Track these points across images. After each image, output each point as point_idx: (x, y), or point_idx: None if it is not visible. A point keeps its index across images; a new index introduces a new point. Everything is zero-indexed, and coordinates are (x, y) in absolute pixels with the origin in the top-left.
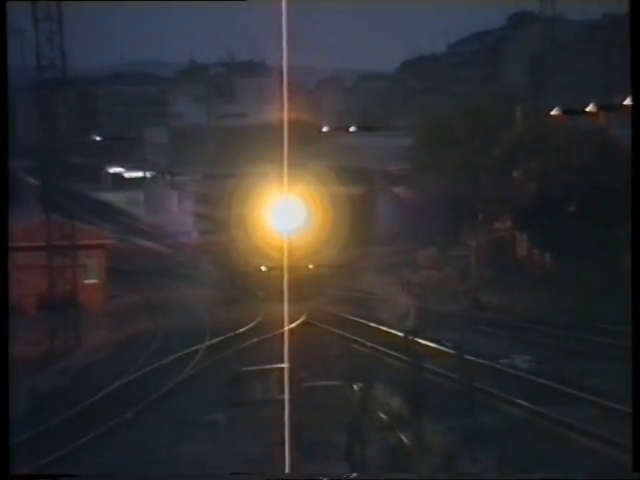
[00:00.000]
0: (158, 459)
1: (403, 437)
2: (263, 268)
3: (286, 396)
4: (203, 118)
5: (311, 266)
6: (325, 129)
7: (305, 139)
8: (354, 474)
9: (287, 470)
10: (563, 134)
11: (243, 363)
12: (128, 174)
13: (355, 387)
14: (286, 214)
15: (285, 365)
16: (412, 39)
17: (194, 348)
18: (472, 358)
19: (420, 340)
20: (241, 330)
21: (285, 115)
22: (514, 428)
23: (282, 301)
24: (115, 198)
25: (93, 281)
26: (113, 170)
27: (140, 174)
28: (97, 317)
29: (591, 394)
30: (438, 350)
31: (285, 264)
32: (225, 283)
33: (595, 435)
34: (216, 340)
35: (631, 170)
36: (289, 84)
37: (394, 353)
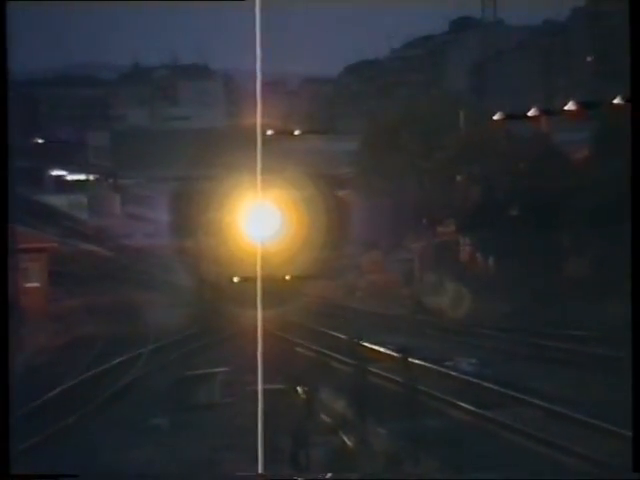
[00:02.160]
0: (101, 464)
1: (347, 440)
2: (235, 279)
3: (259, 401)
4: (146, 121)
5: (288, 277)
6: (269, 132)
7: (249, 142)
8: (329, 474)
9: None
10: (505, 139)
11: (187, 367)
12: (71, 177)
13: (300, 390)
14: (260, 221)
15: (259, 373)
16: (356, 43)
17: (137, 352)
18: (416, 361)
19: (365, 343)
20: (185, 334)
21: (258, 121)
22: (458, 431)
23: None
24: (58, 201)
25: (35, 284)
26: (55, 173)
27: (83, 177)
28: (39, 321)
29: (535, 397)
30: (383, 353)
31: (259, 274)
32: (194, 295)
33: (539, 438)
34: (160, 344)
35: (631, 169)
36: (235, 88)
37: (339, 357)
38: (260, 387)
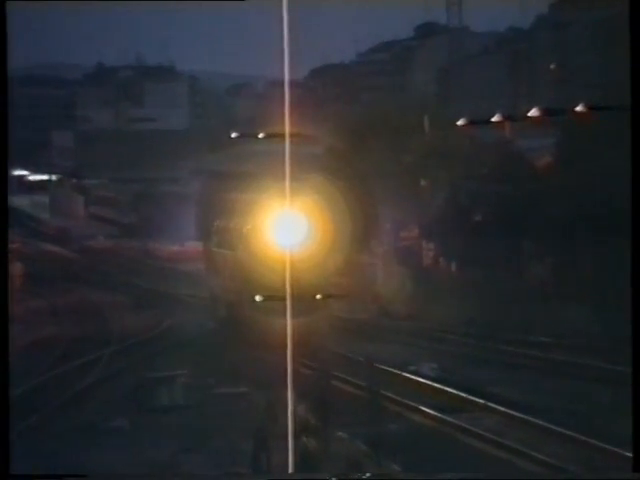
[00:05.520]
0: (62, 466)
1: (309, 444)
2: (258, 298)
3: (289, 413)
4: (111, 122)
5: (319, 296)
6: (234, 135)
7: (214, 145)
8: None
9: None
10: (470, 144)
11: (149, 369)
12: (33, 177)
13: (262, 394)
14: (287, 230)
15: (289, 389)
16: (321, 47)
17: (98, 354)
18: (380, 366)
19: (328, 347)
20: (147, 336)
21: (287, 127)
22: (420, 435)
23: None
24: (20, 201)
25: None
26: (18, 173)
27: (46, 177)
28: None
29: (496, 402)
30: (346, 357)
31: (288, 293)
32: (208, 315)
33: (499, 443)
34: (121, 346)
35: (631, 172)
36: (201, 90)
37: (302, 360)
38: (290, 403)
